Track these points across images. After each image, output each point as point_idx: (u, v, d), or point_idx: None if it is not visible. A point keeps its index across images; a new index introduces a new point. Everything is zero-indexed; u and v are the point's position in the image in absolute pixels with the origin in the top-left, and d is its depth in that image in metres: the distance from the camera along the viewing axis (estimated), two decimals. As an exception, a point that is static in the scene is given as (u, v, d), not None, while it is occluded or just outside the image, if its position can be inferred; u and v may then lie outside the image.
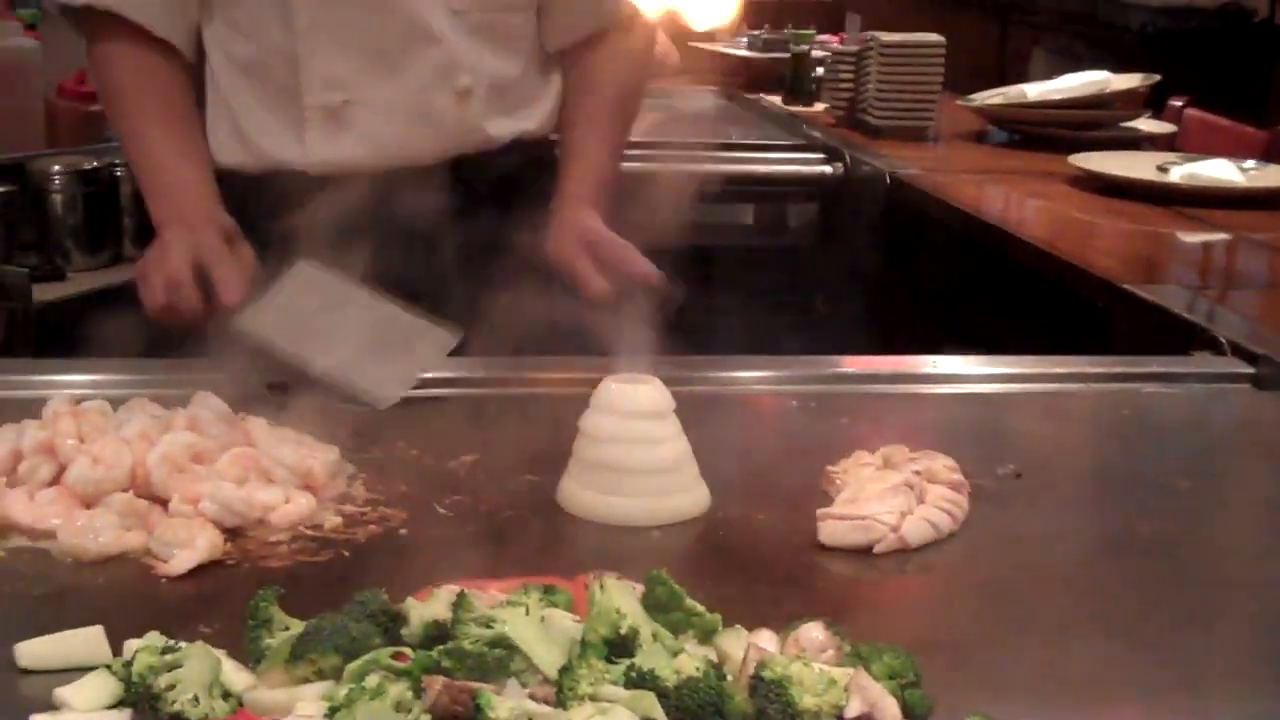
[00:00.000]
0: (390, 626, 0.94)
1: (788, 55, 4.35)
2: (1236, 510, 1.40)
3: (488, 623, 0.90)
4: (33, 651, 0.96)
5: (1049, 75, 4.01)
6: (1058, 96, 3.57)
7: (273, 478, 1.24)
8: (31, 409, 1.32)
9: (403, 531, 1.21)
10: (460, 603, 0.92)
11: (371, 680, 0.86)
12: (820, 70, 4.16)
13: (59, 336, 2.73)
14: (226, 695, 0.89)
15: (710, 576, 1.13)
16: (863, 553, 1.18)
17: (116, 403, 1.34)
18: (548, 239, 1.74)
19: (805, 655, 0.91)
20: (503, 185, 1.82)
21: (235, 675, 0.91)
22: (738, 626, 0.97)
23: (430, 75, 1.74)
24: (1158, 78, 3.64)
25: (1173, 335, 1.85)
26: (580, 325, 1.66)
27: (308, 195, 1.64)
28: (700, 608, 0.96)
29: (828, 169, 3.38)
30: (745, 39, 4.96)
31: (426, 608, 0.94)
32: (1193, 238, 2.57)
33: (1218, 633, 1.10)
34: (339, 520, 1.22)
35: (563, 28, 1.85)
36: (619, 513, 1.24)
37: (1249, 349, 1.72)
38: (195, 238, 1.58)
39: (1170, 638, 1.07)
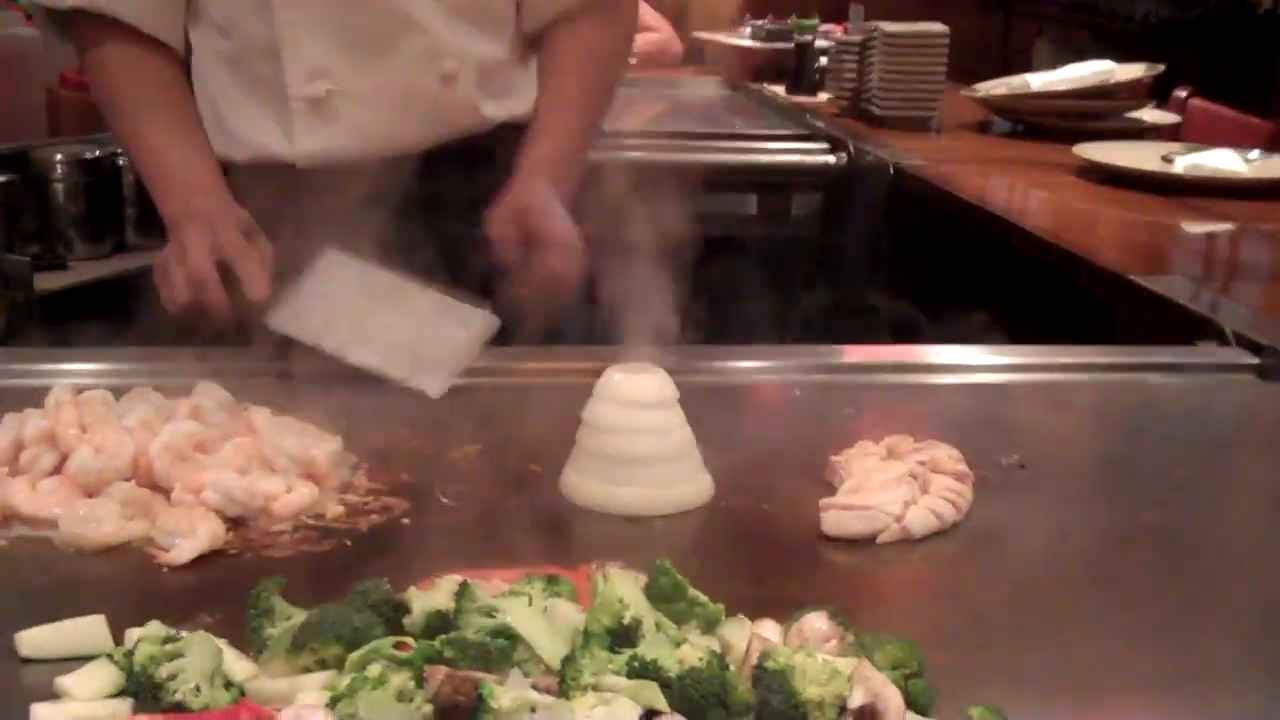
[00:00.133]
0: (392, 616, 0.93)
1: (791, 45, 4.34)
2: (1241, 500, 1.40)
3: (490, 612, 0.90)
4: (34, 640, 0.96)
5: (1053, 65, 4.01)
6: (1062, 87, 3.57)
7: (275, 467, 1.24)
8: (34, 398, 1.32)
9: (405, 521, 1.21)
10: (463, 592, 0.91)
11: (373, 670, 0.85)
12: (824, 60, 4.16)
13: (61, 325, 2.73)
14: (228, 685, 0.89)
15: (713, 566, 1.13)
16: (866, 543, 1.18)
17: (119, 392, 1.34)
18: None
19: (808, 645, 0.91)
20: (496, 168, 1.80)
21: (237, 665, 0.91)
22: (741, 616, 0.97)
23: (414, 61, 1.73)
24: (1162, 68, 3.64)
25: (1177, 325, 1.85)
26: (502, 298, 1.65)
27: (300, 187, 1.64)
28: (703, 598, 0.96)
29: (831, 159, 3.37)
30: (749, 29, 4.95)
31: (429, 597, 0.94)
32: (1197, 228, 2.57)
33: (1222, 623, 1.09)
34: (341, 510, 1.22)
35: (538, 7, 1.82)
36: (622, 502, 1.24)
37: (1253, 339, 1.72)
38: (214, 233, 1.56)
39: (1174, 628, 1.07)
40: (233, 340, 1.55)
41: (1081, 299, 2.18)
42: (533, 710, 0.82)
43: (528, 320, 1.64)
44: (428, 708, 0.83)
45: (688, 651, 0.87)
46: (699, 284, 1.57)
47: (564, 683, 0.85)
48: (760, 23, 4.95)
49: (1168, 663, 1.02)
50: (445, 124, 1.78)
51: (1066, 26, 6.50)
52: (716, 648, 0.92)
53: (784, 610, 0.98)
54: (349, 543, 1.16)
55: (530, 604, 0.92)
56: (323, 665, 0.89)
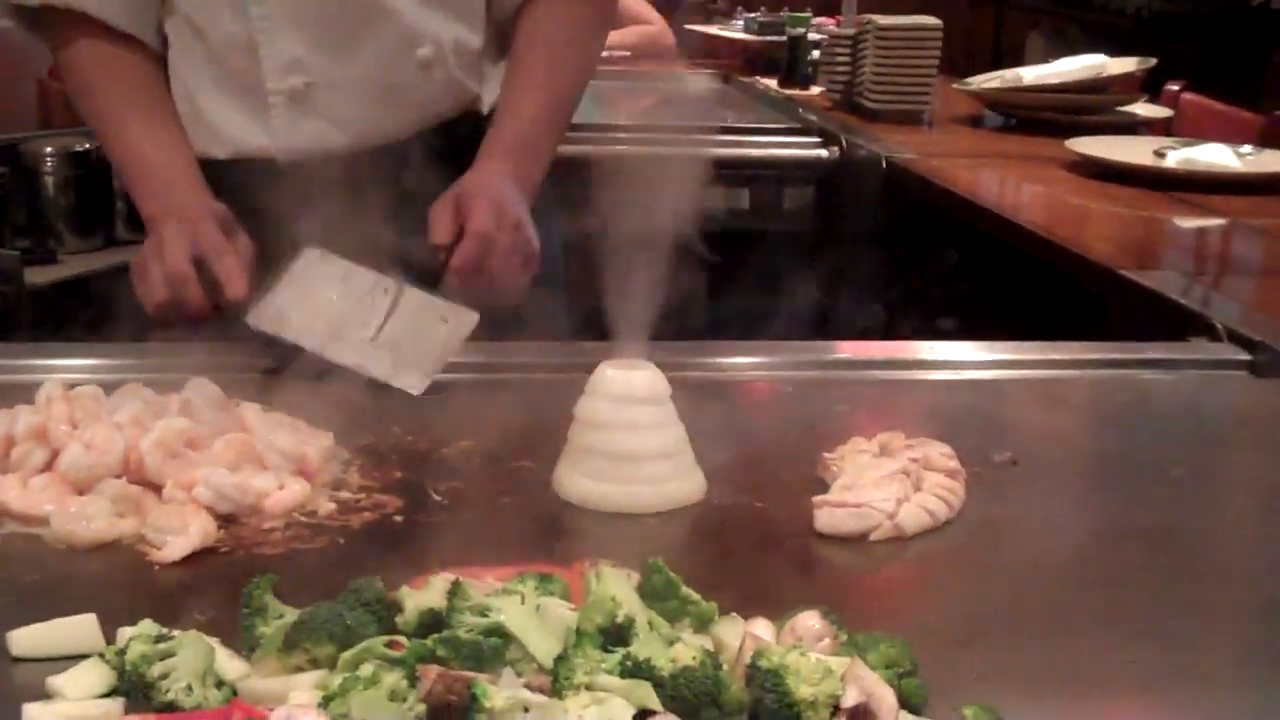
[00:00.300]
0: (385, 615, 0.93)
1: (784, 38, 4.34)
2: (1233, 497, 1.40)
3: (483, 611, 0.90)
4: (25, 639, 0.95)
5: (1045, 59, 4.01)
6: (1054, 80, 3.57)
7: (267, 464, 1.24)
8: (24, 394, 1.31)
9: (397, 518, 1.20)
10: (455, 591, 0.91)
11: (366, 669, 0.85)
12: (816, 53, 4.16)
13: (51, 320, 2.72)
14: (220, 684, 0.88)
15: (706, 564, 1.13)
16: (859, 540, 1.18)
17: (110, 387, 1.34)
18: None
19: (801, 644, 0.91)
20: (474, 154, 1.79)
21: (229, 664, 0.90)
22: (734, 615, 0.97)
23: (389, 49, 1.72)
24: (1154, 62, 3.64)
25: (1169, 321, 1.85)
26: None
27: (283, 182, 1.63)
28: (696, 596, 0.96)
29: (824, 153, 3.37)
30: (741, 21, 4.95)
31: (421, 596, 0.94)
32: (1189, 223, 2.57)
33: (1215, 620, 1.09)
34: (333, 507, 1.22)
35: None
36: (615, 500, 1.23)
37: (1245, 335, 1.72)
38: (193, 230, 1.56)
39: (1167, 625, 1.07)
40: (211, 336, 1.54)
41: (1073, 294, 2.18)
42: (526, 710, 0.82)
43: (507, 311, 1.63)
44: (420, 707, 0.83)
45: (681, 650, 0.86)
46: (691, 279, 1.57)
47: (557, 682, 0.85)
48: (753, 15, 4.95)
49: (1162, 660, 1.02)
50: (427, 111, 1.77)
51: (1059, 20, 6.51)
52: (710, 646, 0.91)
53: (777, 608, 0.97)
54: (341, 540, 1.16)
55: (523, 603, 0.92)
56: (315, 664, 0.89)
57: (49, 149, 3.08)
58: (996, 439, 1.40)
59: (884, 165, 3.08)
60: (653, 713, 0.83)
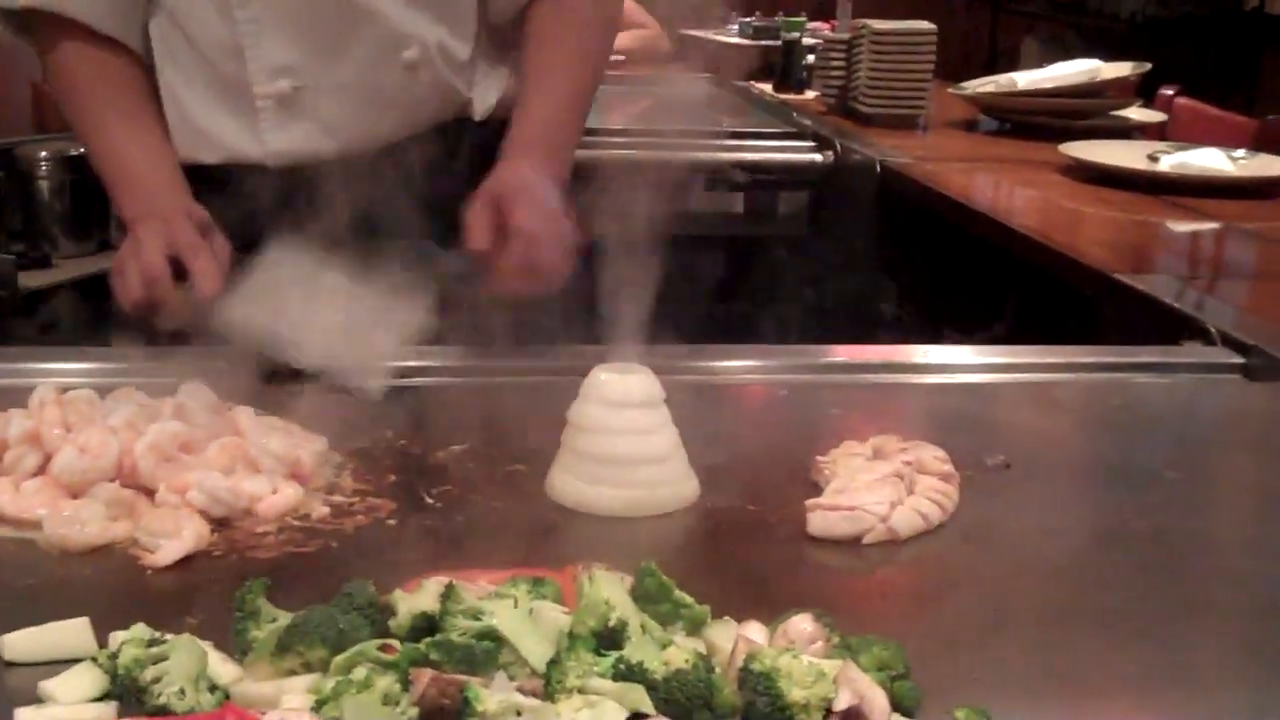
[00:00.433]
0: (378, 618, 0.93)
1: (779, 43, 4.34)
2: (1226, 501, 1.40)
3: (476, 615, 0.90)
4: (17, 644, 0.95)
5: (1039, 64, 4.01)
6: (1048, 85, 3.57)
7: (260, 467, 1.24)
8: (18, 397, 1.31)
9: (391, 522, 1.20)
10: (448, 595, 0.91)
11: (359, 673, 0.85)
12: (811, 58, 4.16)
13: (45, 324, 2.72)
14: (213, 688, 0.88)
15: (699, 568, 1.13)
16: (852, 544, 1.18)
17: (103, 391, 1.34)
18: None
19: (794, 647, 0.91)
20: (470, 160, 1.78)
21: (222, 667, 0.90)
22: (727, 618, 0.97)
23: (374, 52, 1.71)
24: (1148, 66, 3.64)
25: (1163, 325, 1.85)
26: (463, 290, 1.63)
27: (272, 186, 1.63)
28: (689, 599, 0.96)
29: (818, 157, 3.37)
30: (736, 26, 4.96)
31: (414, 599, 0.94)
32: (1183, 227, 2.57)
33: (1208, 622, 1.09)
34: (326, 511, 1.21)
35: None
36: (608, 503, 1.23)
37: (1239, 339, 1.72)
38: (169, 230, 1.56)
39: (1161, 628, 1.07)
40: (201, 340, 1.54)
41: (1067, 298, 2.18)
42: (518, 713, 0.82)
43: (503, 314, 1.60)
44: (413, 711, 0.83)
45: (673, 653, 0.87)
46: (685, 283, 1.57)
47: (549, 685, 0.85)
48: (748, 20, 4.95)
49: (1155, 663, 1.02)
50: (416, 115, 1.77)
51: (1053, 25, 6.52)
52: (702, 649, 0.92)
53: (770, 611, 0.98)
54: (334, 544, 1.16)
55: (516, 606, 0.92)
56: (308, 668, 0.89)
57: (43, 153, 3.07)
58: (990, 442, 1.41)
59: (879, 170, 3.09)
60: (645, 716, 0.83)
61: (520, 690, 0.85)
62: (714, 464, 1.30)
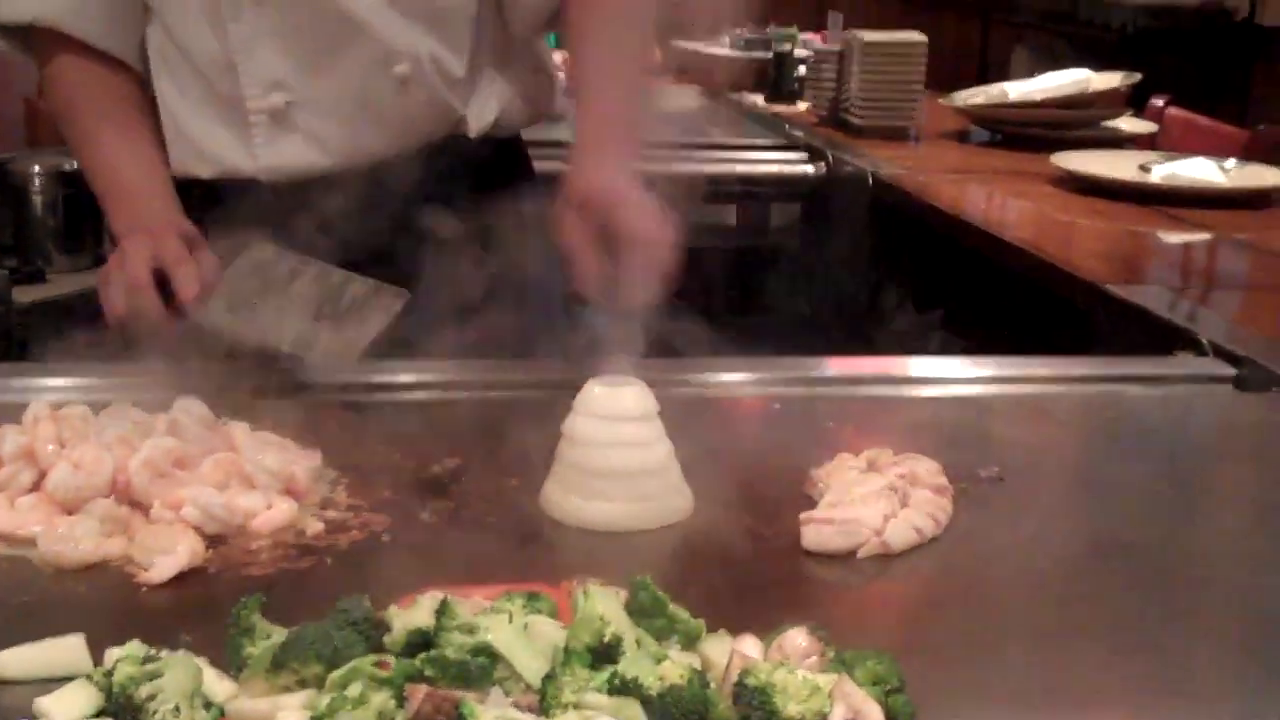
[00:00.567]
0: (373, 634, 0.93)
1: (770, 54, 4.35)
2: (1219, 512, 1.40)
3: (470, 630, 0.90)
4: (12, 661, 0.95)
5: (1030, 74, 4.03)
6: (1039, 96, 3.58)
7: (255, 483, 1.24)
8: (11, 414, 1.31)
9: (385, 538, 1.20)
10: (443, 610, 0.91)
11: (354, 689, 0.85)
12: (802, 69, 4.17)
13: (39, 339, 2.71)
14: (208, 705, 0.88)
15: (694, 582, 1.13)
16: (846, 557, 1.18)
17: (98, 407, 1.34)
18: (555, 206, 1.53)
19: (789, 661, 0.91)
20: (466, 179, 1.78)
21: (217, 684, 0.90)
22: (721, 632, 0.97)
23: (366, 66, 1.71)
24: (1139, 77, 3.66)
25: (1155, 336, 1.85)
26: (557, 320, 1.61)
27: (264, 201, 1.64)
28: (684, 614, 0.96)
29: (810, 169, 3.38)
30: (727, 38, 4.96)
31: (409, 615, 0.94)
32: (1174, 237, 2.58)
33: (1202, 635, 1.10)
34: (321, 526, 1.21)
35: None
36: (602, 517, 1.23)
37: (1230, 350, 1.73)
38: (155, 242, 1.57)
39: (1154, 640, 1.07)
40: (175, 351, 1.54)
41: (1059, 309, 2.19)
42: (514, 729, 0.82)
43: (611, 333, 1.44)
44: (408, 727, 0.83)
45: (668, 668, 0.87)
46: (678, 295, 1.57)
47: (545, 701, 0.85)
48: (739, 32, 4.96)
49: (1149, 674, 1.02)
50: (408, 131, 1.76)
51: (1044, 35, 6.53)
52: (697, 664, 0.92)
53: (764, 626, 0.98)
54: (329, 560, 1.16)
55: (511, 621, 0.92)
56: (303, 684, 0.89)
57: (37, 167, 3.07)
58: (983, 454, 1.41)
59: (870, 181, 3.09)
60: (640, 731, 0.83)
61: (515, 705, 0.85)
62: (708, 478, 1.30)
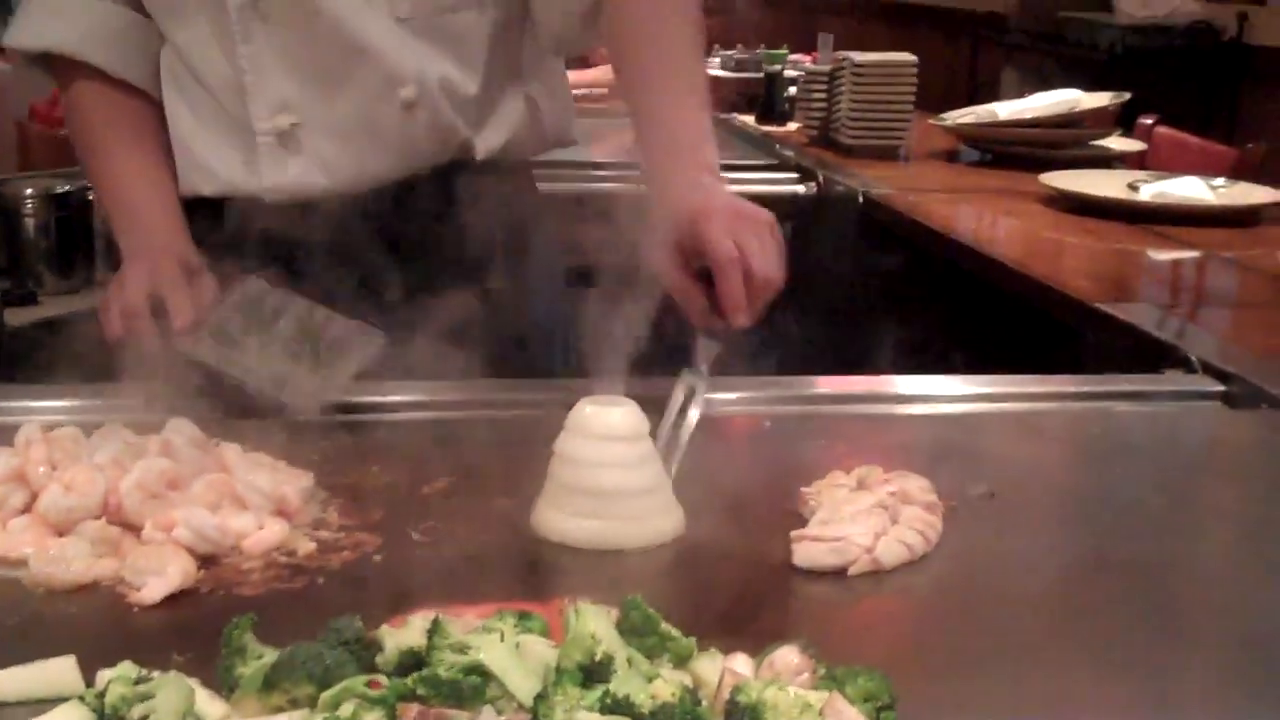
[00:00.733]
0: (365, 654, 0.93)
1: (761, 75, 4.37)
2: (1208, 529, 1.41)
3: (463, 649, 0.90)
4: (4, 682, 0.95)
5: (1019, 94, 4.04)
6: (1028, 116, 3.60)
7: (246, 504, 1.24)
8: (3, 435, 1.31)
9: (377, 558, 1.21)
10: (435, 629, 0.91)
11: (346, 709, 0.85)
12: (793, 90, 4.18)
13: (31, 361, 2.71)
14: (200, 725, 0.88)
15: (685, 600, 1.13)
16: (837, 575, 1.19)
17: (89, 429, 1.34)
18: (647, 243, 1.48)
19: (780, 679, 0.92)
20: (472, 205, 1.79)
21: (209, 705, 0.90)
22: (713, 650, 0.97)
23: (372, 89, 1.71)
24: (1127, 96, 3.67)
25: (1144, 354, 1.86)
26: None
27: (270, 223, 1.65)
28: (675, 632, 0.96)
29: (801, 189, 3.39)
30: (718, 59, 4.98)
31: (401, 635, 0.94)
32: (1163, 256, 2.59)
33: (1191, 651, 1.10)
34: (313, 547, 1.22)
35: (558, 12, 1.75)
36: (594, 536, 1.24)
37: (1220, 367, 1.74)
38: (153, 267, 1.59)
39: (1144, 657, 1.08)
40: (168, 375, 1.54)
41: (1049, 327, 2.19)
42: (505, 748, 0.82)
43: (703, 354, 1.47)
44: (400, 746, 0.83)
45: (660, 686, 0.87)
46: (669, 315, 1.58)
47: (537, 719, 0.85)
48: (730, 52, 4.98)
49: (1139, 690, 1.03)
50: (413, 154, 1.76)
51: (1033, 55, 6.56)
52: (688, 682, 0.92)
53: (755, 643, 0.98)
54: (321, 580, 1.16)
55: (502, 640, 0.92)
56: (295, 704, 0.89)
57: (29, 190, 3.06)
58: (973, 472, 1.41)
59: (861, 200, 3.10)
60: (632, 749, 0.83)
61: (507, 724, 0.85)
62: (699, 496, 1.31)
